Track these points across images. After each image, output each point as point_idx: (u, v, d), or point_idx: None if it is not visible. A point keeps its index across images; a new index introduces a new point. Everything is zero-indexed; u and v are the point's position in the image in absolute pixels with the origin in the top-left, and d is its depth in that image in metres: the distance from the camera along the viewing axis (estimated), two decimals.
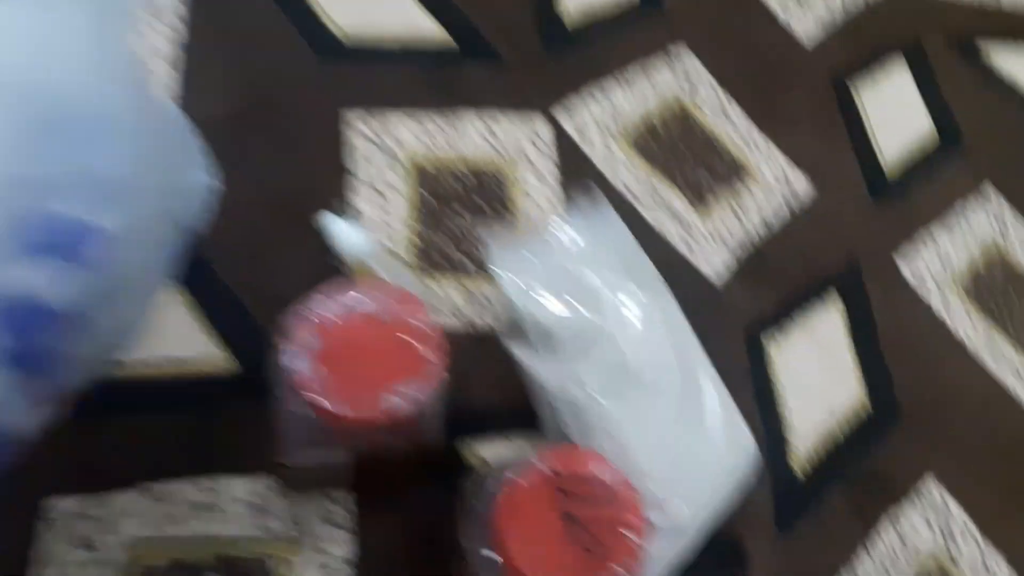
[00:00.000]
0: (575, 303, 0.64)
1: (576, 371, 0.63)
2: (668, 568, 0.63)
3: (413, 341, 0.55)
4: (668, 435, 0.63)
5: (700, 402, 0.65)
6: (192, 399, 0.65)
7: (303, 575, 0.61)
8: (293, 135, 0.77)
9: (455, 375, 0.68)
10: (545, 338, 0.63)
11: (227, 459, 0.64)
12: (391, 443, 0.56)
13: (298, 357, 0.53)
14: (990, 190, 0.93)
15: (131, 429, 0.63)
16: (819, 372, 0.79)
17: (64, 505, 0.60)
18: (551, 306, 0.63)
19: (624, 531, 0.53)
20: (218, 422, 0.65)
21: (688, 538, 0.63)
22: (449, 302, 0.73)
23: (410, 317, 0.56)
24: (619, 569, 0.51)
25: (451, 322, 0.72)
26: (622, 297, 0.67)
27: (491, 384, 0.69)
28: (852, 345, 0.81)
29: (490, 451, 0.68)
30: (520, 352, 0.64)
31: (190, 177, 0.67)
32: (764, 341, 0.79)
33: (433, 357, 0.55)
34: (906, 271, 0.86)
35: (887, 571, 0.71)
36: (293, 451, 0.56)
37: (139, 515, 0.60)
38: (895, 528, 0.73)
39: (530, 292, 0.63)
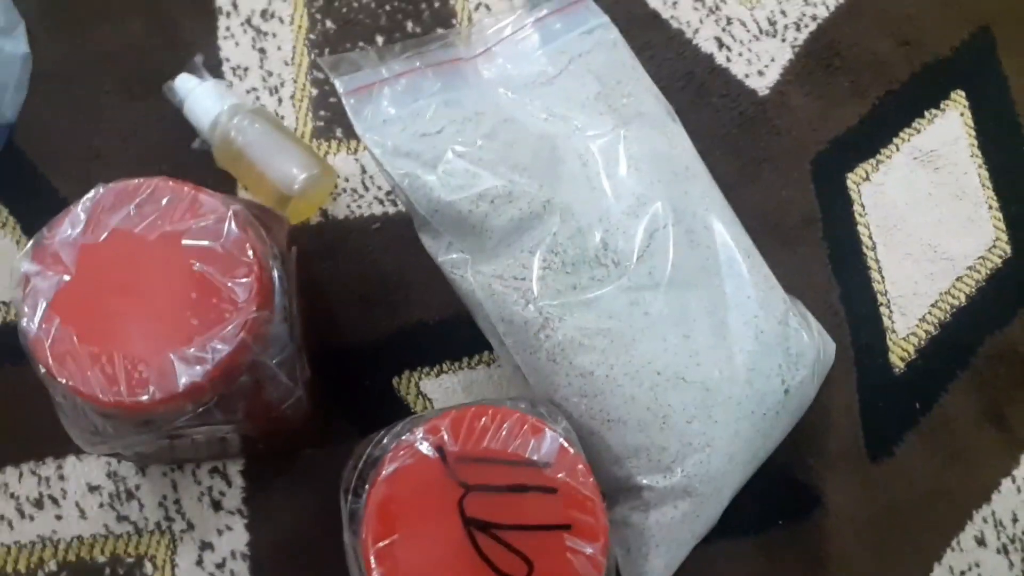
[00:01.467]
0: (508, 164, 0.41)
1: (510, 269, 0.40)
2: (692, 544, 0.42)
3: (212, 270, 0.35)
4: (671, 353, 0.40)
5: (720, 294, 0.42)
6: (16, 355, 0.47)
7: None
8: None
9: (385, 284, 0.48)
10: (457, 225, 0.41)
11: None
12: (220, 420, 0.36)
13: (31, 310, 0.34)
14: None
15: None
16: (931, 210, 0.53)
17: None
18: (459, 176, 0.40)
19: (568, 542, 0.32)
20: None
21: (720, 501, 0.42)
22: (368, 177, 0.51)
23: (214, 231, 0.35)
24: None
25: (372, 207, 0.50)
26: (591, 145, 0.43)
27: (436, 294, 0.48)
28: (983, 163, 0.54)
29: (439, 386, 0.48)
30: (433, 247, 0.42)
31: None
32: (844, 174, 0.53)
33: (242, 294, 0.34)
34: None
35: None
36: (82, 439, 0.37)
37: None
38: None
39: (417, 157, 0.40)
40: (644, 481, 0.40)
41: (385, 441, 0.34)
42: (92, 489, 0.45)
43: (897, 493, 0.48)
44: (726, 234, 0.44)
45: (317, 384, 0.42)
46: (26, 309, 0.34)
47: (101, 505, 0.45)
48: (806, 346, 0.43)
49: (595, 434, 0.41)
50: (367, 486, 0.33)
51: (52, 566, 0.44)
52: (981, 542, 0.48)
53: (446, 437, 0.32)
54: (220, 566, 0.44)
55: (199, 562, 0.44)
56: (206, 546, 0.44)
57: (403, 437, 0.33)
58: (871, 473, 0.48)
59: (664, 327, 0.41)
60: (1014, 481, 0.49)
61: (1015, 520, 0.48)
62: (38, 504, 0.44)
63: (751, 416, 0.41)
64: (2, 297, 0.48)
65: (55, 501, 0.45)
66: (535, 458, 0.32)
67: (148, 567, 0.44)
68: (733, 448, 0.41)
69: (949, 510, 0.48)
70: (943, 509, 0.48)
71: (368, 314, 0.48)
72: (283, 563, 0.45)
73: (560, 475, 0.31)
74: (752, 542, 0.47)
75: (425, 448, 0.32)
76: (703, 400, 0.40)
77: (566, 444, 0.33)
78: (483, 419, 0.32)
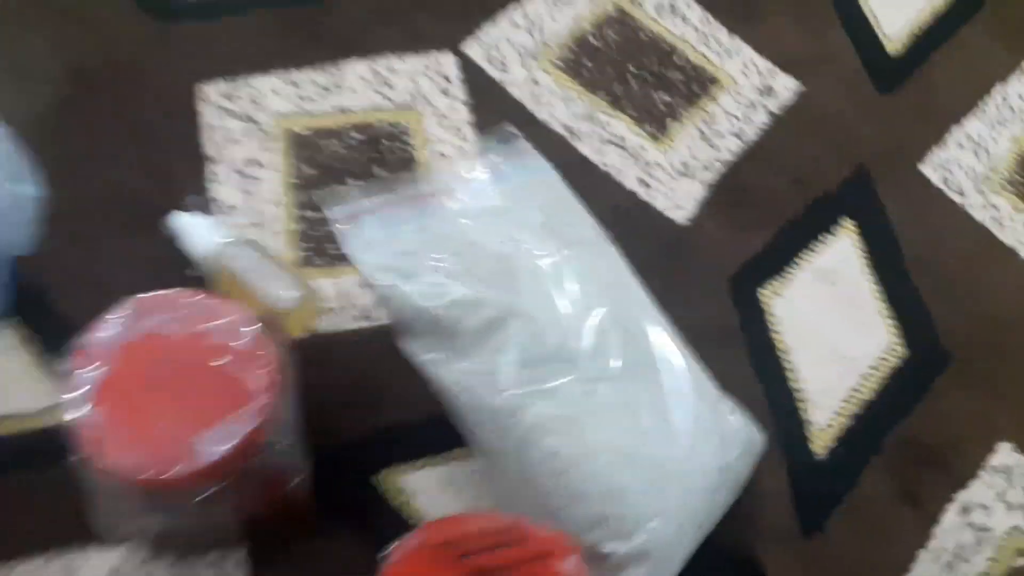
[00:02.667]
0: (474, 278, 0.48)
1: (481, 366, 0.46)
2: None
3: (231, 365, 0.40)
4: (623, 434, 0.47)
5: (659, 385, 0.48)
6: (31, 461, 0.50)
7: None
8: (134, 121, 0.62)
9: (365, 389, 0.54)
10: (433, 328, 0.47)
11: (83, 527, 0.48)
12: (234, 499, 0.41)
13: (75, 401, 0.38)
14: None
15: None
16: (833, 319, 0.62)
17: None
18: (433, 287, 0.47)
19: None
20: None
21: (673, 564, 0.47)
22: (346, 297, 0.57)
23: (230, 333, 0.41)
24: None
25: (350, 323, 0.56)
26: (541, 263, 0.50)
27: (412, 397, 0.53)
28: (873, 277, 0.64)
29: (418, 480, 0.53)
30: (412, 350, 0.48)
31: (13, 195, 0.54)
32: (756, 289, 0.62)
33: (259, 382, 0.40)
34: (931, 173, 0.68)
35: (953, 570, 0.54)
36: (105, 521, 0.41)
37: None
38: (958, 511, 0.56)
39: (397, 271, 0.47)
40: (609, 548, 0.46)
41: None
42: None
43: (829, 565, 0.54)
44: (661, 334, 0.51)
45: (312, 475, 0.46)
46: (71, 400, 0.38)
47: None
48: (737, 429, 0.50)
49: (564, 508, 0.46)
50: None
51: None
52: None
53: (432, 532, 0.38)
54: None
55: None
56: None
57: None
58: (805, 548, 0.54)
59: (615, 412, 0.47)
60: (929, 551, 0.55)
61: None
62: None
63: (695, 488, 0.47)
64: (20, 408, 0.52)
65: None
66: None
67: None
68: (682, 516, 0.47)
69: None
70: None
71: (351, 416, 0.53)
72: None
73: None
74: None
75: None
76: (653, 475, 0.46)
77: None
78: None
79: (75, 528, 0.45)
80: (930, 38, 0.75)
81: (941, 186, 0.68)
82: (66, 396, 0.38)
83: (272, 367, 0.41)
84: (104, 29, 0.65)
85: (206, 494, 0.39)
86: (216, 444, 0.38)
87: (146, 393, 0.39)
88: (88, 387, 0.38)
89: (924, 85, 0.73)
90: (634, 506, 0.46)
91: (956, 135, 0.71)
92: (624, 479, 0.46)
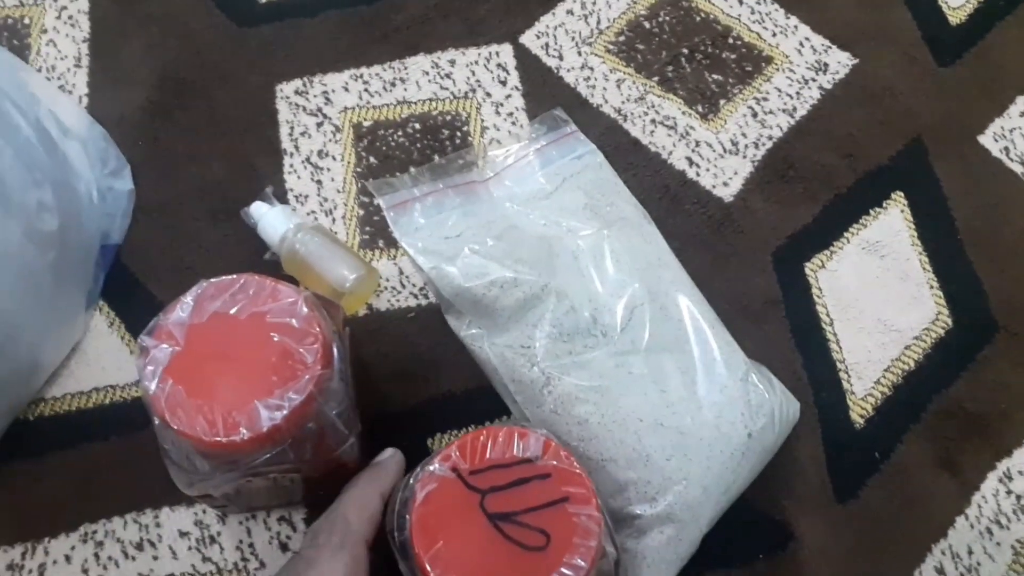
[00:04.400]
0: (513, 259, 0.52)
1: (518, 340, 0.50)
2: (678, 565, 0.50)
3: (289, 341, 0.45)
4: (650, 404, 0.50)
5: (688, 356, 0.51)
6: (124, 427, 0.58)
7: None
8: (218, 119, 0.68)
9: (418, 362, 0.58)
10: (474, 306, 0.51)
11: (168, 488, 0.56)
12: (291, 461, 0.46)
13: (150, 374, 0.44)
14: None
15: (61, 468, 0.56)
16: (879, 291, 0.63)
17: None
18: (474, 268, 0.51)
19: (570, 509, 0.40)
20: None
21: (699, 525, 0.50)
22: (403, 277, 0.62)
23: (288, 311, 0.46)
24: (574, 560, 0.39)
25: (407, 301, 0.61)
26: (580, 243, 0.54)
27: (461, 369, 0.58)
28: (923, 249, 0.64)
29: None
30: (456, 325, 0.53)
31: (107, 188, 0.62)
32: (801, 263, 0.63)
33: (313, 355, 0.45)
34: (991, 144, 0.68)
35: (992, 536, 0.55)
36: (182, 479, 0.47)
37: (72, 563, 0.53)
38: (1000, 478, 0.57)
39: (441, 254, 0.52)
40: (635, 510, 0.49)
41: (412, 482, 0.43)
42: (182, 535, 0.54)
43: (863, 530, 0.55)
44: (693, 309, 0.53)
45: (366, 440, 0.51)
46: (147, 373, 0.44)
47: (189, 548, 0.54)
48: (765, 399, 0.52)
49: (593, 473, 0.50)
50: (407, 516, 0.42)
51: None
52: (941, 572, 0.55)
53: (457, 459, 0.42)
54: None
55: None
56: None
57: (426, 469, 0.42)
58: (839, 513, 0.56)
59: (644, 383, 0.51)
60: (967, 519, 0.56)
61: (970, 552, 0.55)
62: (139, 547, 0.54)
63: (720, 455, 0.50)
64: (113, 381, 0.59)
65: (152, 545, 0.54)
66: (528, 455, 0.41)
67: None
68: (706, 481, 0.50)
69: (910, 544, 0.55)
70: (905, 543, 0.55)
71: (405, 387, 0.58)
72: None
73: (550, 462, 0.41)
74: (738, 574, 0.54)
75: (444, 472, 0.42)
76: (678, 442, 0.49)
77: (548, 439, 0.42)
78: (481, 438, 0.42)
79: (162, 488, 0.51)
80: (994, 10, 0.74)
81: (1001, 156, 0.68)
82: (144, 369, 0.44)
83: (326, 341, 0.46)
84: (192, 35, 0.71)
85: (267, 456, 0.45)
86: (274, 411, 0.43)
87: (212, 366, 0.44)
88: (163, 361, 0.44)
89: (986, 57, 0.72)
90: (660, 471, 0.49)
91: (1020, 104, 0.70)
92: (651, 445, 0.49)
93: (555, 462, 0.41)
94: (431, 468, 0.41)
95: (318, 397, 0.45)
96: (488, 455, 0.41)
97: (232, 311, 0.46)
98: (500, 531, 0.39)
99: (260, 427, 0.43)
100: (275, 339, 0.45)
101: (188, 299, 0.46)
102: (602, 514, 0.40)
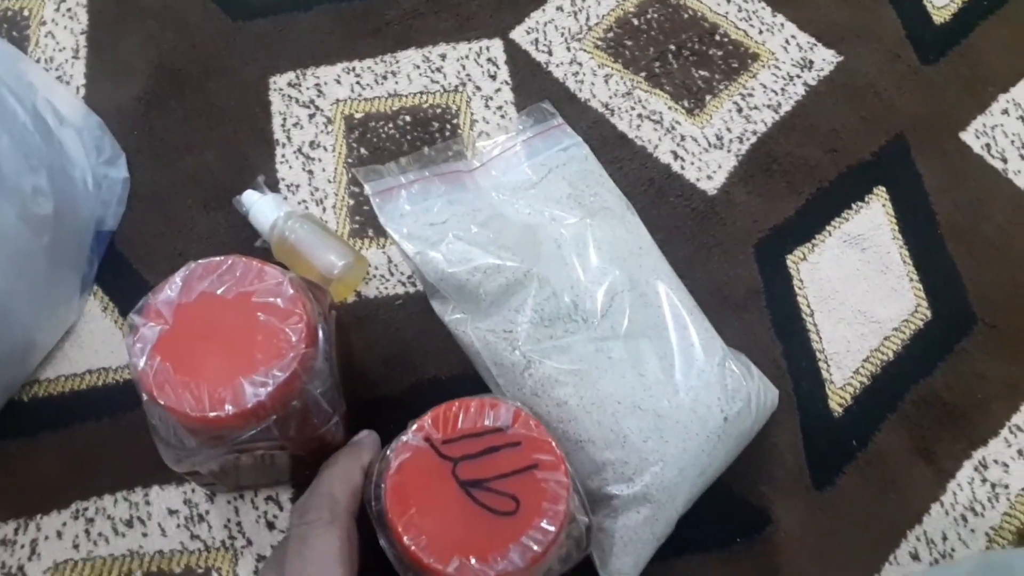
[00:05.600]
0: (496, 245, 0.53)
1: (500, 324, 0.52)
2: (654, 544, 0.51)
3: (275, 321, 0.46)
4: (628, 387, 0.51)
5: (666, 342, 0.52)
6: (116, 409, 0.59)
7: None
8: (212, 110, 0.69)
9: (405, 347, 0.59)
10: (458, 291, 0.52)
11: (157, 467, 0.57)
12: (276, 438, 0.47)
13: (139, 352, 0.45)
14: None
15: (54, 447, 0.57)
16: (860, 283, 0.64)
17: None
18: (457, 254, 0.52)
19: (539, 475, 0.41)
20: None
21: (675, 506, 0.51)
22: (391, 265, 0.63)
23: (274, 292, 0.47)
24: (542, 524, 0.40)
25: (394, 288, 0.62)
26: (563, 231, 0.55)
27: (446, 354, 0.59)
28: (904, 243, 0.65)
29: None
30: (441, 310, 0.54)
31: (103, 176, 0.63)
32: (783, 255, 0.64)
33: (298, 335, 0.46)
34: (973, 140, 0.69)
35: (967, 523, 0.56)
36: (170, 455, 0.48)
37: (63, 538, 0.55)
38: (975, 467, 0.58)
39: (426, 240, 0.53)
40: (612, 490, 0.50)
41: (388, 454, 0.44)
42: (171, 513, 0.55)
43: (840, 515, 0.56)
44: (673, 296, 0.55)
45: (350, 420, 0.52)
46: (136, 350, 0.45)
47: (178, 526, 0.55)
48: (742, 384, 0.53)
49: (571, 454, 0.51)
50: (383, 486, 0.43)
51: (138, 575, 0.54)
52: (915, 557, 0.56)
53: (430, 429, 0.43)
54: None
55: (256, 572, 0.54)
56: (262, 559, 0.54)
57: (400, 440, 0.44)
58: (816, 499, 0.57)
59: (623, 367, 0.52)
60: (942, 505, 0.57)
61: (945, 538, 0.56)
62: (129, 524, 0.55)
63: (696, 437, 0.51)
64: (106, 363, 0.60)
65: (142, 522, 0.55)
66: (498, 424, 0.42)
67: None
68: (682, 463, 0.51)
69: (886, 530, 0.56)
70: (881, 529, 0.56)
71: (392, 372, 0.59)
72: None
73: (520, 431, 0.42)
74: (716, 557, 0.55)
75: (417, 442, 0.43)
76: (655, 424, 0.50)
77: (518, 409, 0.43)
78: (454, 409, 0.43)
79: (152, 467, 0.52)
80: (978, 9, 0.75)
81: (982, 153, 0.69)
82: (133, 347, 0.45)
83: (310, 321, 0.47)
84: (188, 29, 0.72)
85: (252, 432, 0.46)
86: (258, 387, 0.45)
87: (200, 344, 0.45)
88: (151, 339, 0.45)
89: (969, 56, 0.73)
90: (637, 452, 0.50)
91: (1002, 102, 0.71)
92: (628, 427, 0.50)
93: (524, 431, 0.42)
94: (404, 438, 0.43)
95: (302, 375, 0.46)
96: (460, 425, 0.42)
97: (219, 291, 0.47)
98: (472, 497, 0.40)
99: (245, 403, 0.44)
100: (261, 318, 0.46)
101: (177, 279, 0.47)
102: (572, 480, 0.41)
